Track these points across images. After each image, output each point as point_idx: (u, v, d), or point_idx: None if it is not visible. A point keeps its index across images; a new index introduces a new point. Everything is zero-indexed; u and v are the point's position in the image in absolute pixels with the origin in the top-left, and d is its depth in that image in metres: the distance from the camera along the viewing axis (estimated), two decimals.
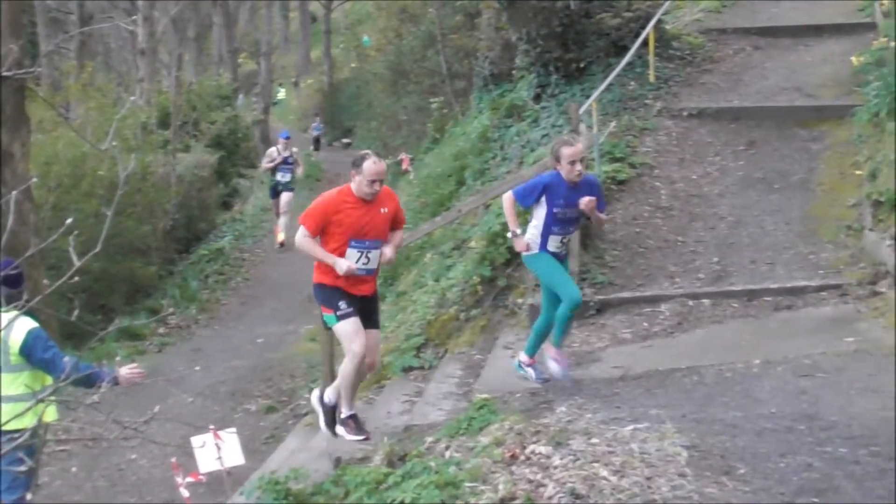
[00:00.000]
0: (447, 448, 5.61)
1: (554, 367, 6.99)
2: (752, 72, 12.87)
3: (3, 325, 5.42)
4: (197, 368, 12.32)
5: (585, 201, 6.74)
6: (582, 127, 9.80)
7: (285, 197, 17.49)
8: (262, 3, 44.94)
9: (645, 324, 8.12)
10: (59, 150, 16.30)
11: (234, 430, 7.10)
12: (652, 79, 12.44)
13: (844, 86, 11.57)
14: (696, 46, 13.64)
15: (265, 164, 17.98)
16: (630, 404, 6.18)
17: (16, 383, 5.72)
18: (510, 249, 9.14)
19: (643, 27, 12.42)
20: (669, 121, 11.68)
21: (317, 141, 34.71)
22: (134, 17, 23.87)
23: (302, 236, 6.58)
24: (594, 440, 5.17)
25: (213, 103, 25.88)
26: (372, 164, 6.47)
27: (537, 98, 13.15)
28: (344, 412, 6.82)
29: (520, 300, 8.95)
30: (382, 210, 6.62)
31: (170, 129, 20.75)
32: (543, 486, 4.65)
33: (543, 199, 6.84)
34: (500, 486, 4.66)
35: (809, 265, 8.44)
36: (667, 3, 13.38)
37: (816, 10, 14.43)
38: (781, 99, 11.86)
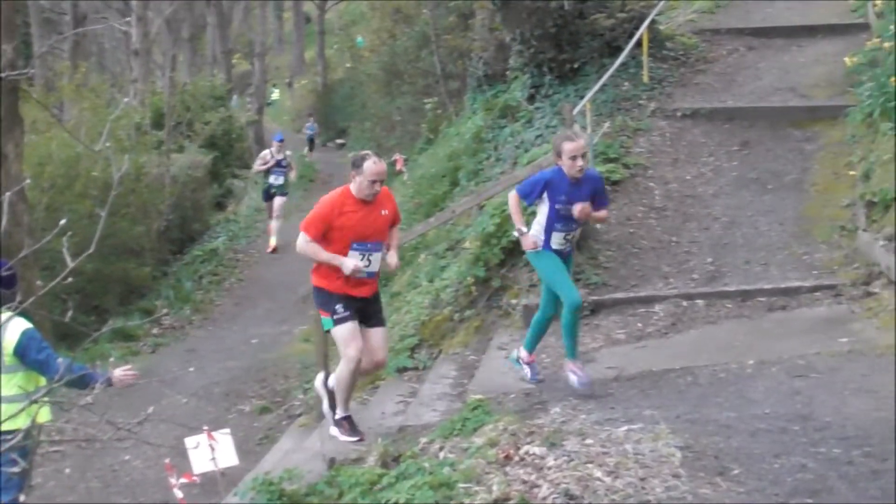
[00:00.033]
0: (441, 449, 5.61)
1: (573, 379, 6.74)
2: (745, 72, 12.90)
3: None
4: (191, 369, 12.30)
5: (578, 209, 6.63)
6: (576, 127, 9.80)
7: (278, 201, 17.44)
8: (256, 3, 45.01)
9: (639, 324, 8.12)
10: (53, 151, 16.29)
11: (227, 430, 7.07)
12: (646, 79, 12.46)
13: (838, 86, 11.60)
14: (690, 47, 13.67)
15: (257, 166, 17.90)
16: (624, 405, 6.18)
17: (10, 384, 5.71)
18: (504, 250, 9.15)
19: (637, 28, 12.44)
20: (663, 121, 11.69)
21: (311, 141, 34.65)
22: (128, 18, 23.90)
23: (304, 242, 6.56)
24: (588, 441, 5.16)
25: (207, 104, 25.86)
26: (372, 165, 6.47)
27: (531, 99, 13.15)
28: (339, 413, 6.83)
29: (514, 301, 8.95)
30: (383, 212, 6.63)
31: (164, 130, 20.75)
32: (537, 486, 4.65)
33: (545, 195, 6.70)
34: (495, 487, 4.66)
35: (803, 265, 8.45)
36: (661, 4, 13.41)
37: (810, 10, 14.47)
38: (775, 99, 11.89)
